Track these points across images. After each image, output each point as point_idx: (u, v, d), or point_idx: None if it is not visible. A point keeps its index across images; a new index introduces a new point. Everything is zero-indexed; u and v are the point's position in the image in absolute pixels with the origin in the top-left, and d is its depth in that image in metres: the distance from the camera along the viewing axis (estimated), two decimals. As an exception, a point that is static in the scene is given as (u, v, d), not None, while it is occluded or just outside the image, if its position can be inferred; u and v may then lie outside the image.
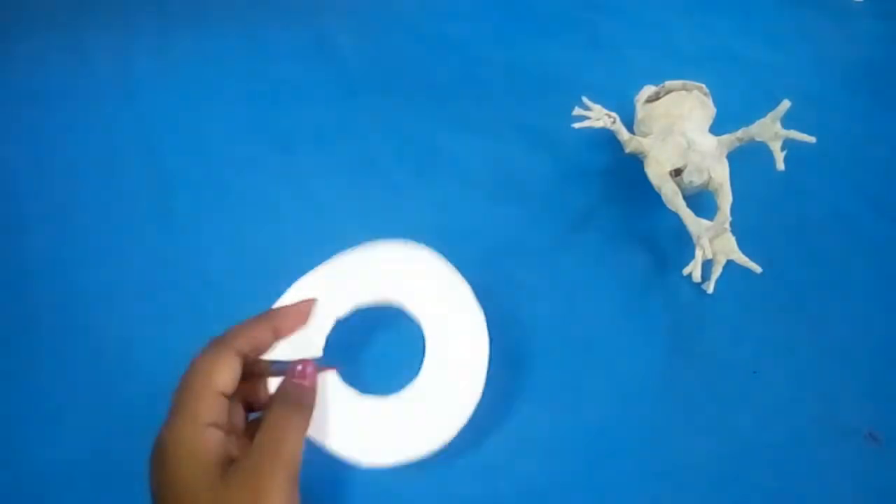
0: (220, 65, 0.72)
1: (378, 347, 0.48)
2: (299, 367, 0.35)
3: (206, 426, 0.30)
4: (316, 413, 0.35)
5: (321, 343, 0.39)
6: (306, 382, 0.34)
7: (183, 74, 0.70)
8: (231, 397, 0.33)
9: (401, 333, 0.45)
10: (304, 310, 0.37)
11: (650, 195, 0.57)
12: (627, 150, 0.59)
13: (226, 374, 0.32)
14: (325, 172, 0.62)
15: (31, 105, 0.66)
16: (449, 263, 0.44)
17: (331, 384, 0.38)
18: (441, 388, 0.40)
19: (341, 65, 0.73)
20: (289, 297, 0.41)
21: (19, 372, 0.48)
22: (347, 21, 0.79)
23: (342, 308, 0.41)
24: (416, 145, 0.66)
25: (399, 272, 0.43)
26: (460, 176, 0.63)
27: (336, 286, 0.41)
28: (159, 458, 0.30)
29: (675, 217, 0.54)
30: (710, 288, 0.54)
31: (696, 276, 0.53)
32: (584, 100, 0.59)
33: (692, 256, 0.53)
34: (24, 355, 0.49)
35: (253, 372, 0.35)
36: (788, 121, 0.49)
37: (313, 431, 0.35)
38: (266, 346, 0.35)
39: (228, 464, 0.30)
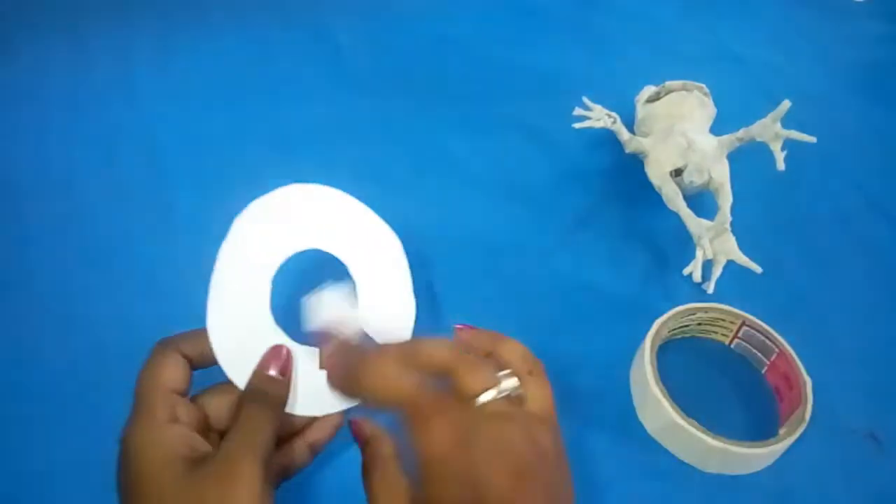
0: (219, 64, 0.72)
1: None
2: (265, 360, 0.34)
3: (163, 422, 0.30)
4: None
5: (269, 317, 0.36)
6: (275, 373, 0.33)
7: (183, 74, 0.70)
8: (184, 395, 0.33)
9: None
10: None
11: (650, 195, 0.57)
12: (628, 151, 0.59)
13: (171, 371, 0.32)
14: (325, 172, 0.62)
15: (32, 105, 0.66)
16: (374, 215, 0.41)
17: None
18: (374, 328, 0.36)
19: (341, 64, 0.73)
20: (225, 255, 0.38)
21: (19, 372, 0.48)
22: (347, 21, 0.79)
23: (275, 263, 0.37)
24: (417, 145, 0.66)
25: (327, 218, 0.40)
26: (460, 176, 0.63)
27: (267, 240, 0.39)
28: (122, 460, 0.30)
29: (676, 217, 0.54)
30: (710, 288, 0.54)
31: (697, 276, 0.53)
32: (585, 100, 0.59)
33: (692, 256, 0.53)
34: (23, 355, 0.48)
35: (285, 434, 0.35)
36: (788, 121, 0.49)
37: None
38: (210, 357, 0.34)
39: (196, 460, 0.30)
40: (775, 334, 0.48)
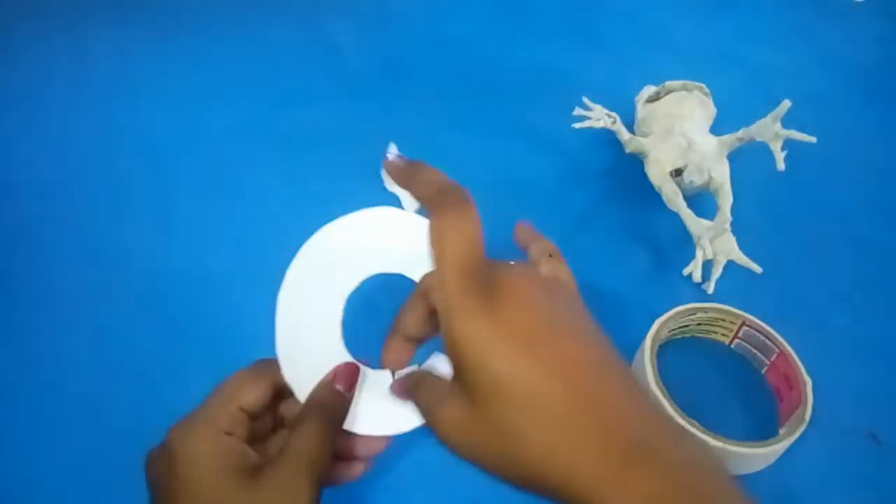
0: (220, 65, 0.72)
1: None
2: (335, 373, 0.33)
3: (220, 432, 0.30)
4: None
5: (339, 339, 0.36)
6: (342, 388, 0.32)
7: (183, 74, 0.70)
8: (255, 419, 0.32)
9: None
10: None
11: (650, 195, 0.57)
12: (628, 151, 0.59)
13: (253, 393, 0.32)
14: (325, 172, 0.62)
15: (32, 105, 0.66)
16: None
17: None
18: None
19: (342, 65, 0.73)
20: (289, 284, 0.38)
21: (19, 372, 0.48)
22: (348, 21, 0.79)
23: (348, 288, 0.38)
24: (417, 145, 0.65)
25: (396, 241, 0.39)
26: (460, 176, 0.62)
27: (335, 265, 0.39)
28: (167, 459, 0.29)
29: (676, 217, 0.54)
30: (710, 288, 0.54)
31: (697, 277, 0.53)
32: (585, 100, 0.59)
33: (692, 256, 0.53)
34: (23, 355, 0.48)
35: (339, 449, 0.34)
36: (788, 121, 0.49)
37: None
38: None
39: (250, 471, 0.29)
40: (775, 334, 0.48)
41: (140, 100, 0.67)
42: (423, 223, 0.39)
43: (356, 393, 0.33)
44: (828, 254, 0.59)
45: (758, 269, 0.52)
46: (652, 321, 0.49)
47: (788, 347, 0.48)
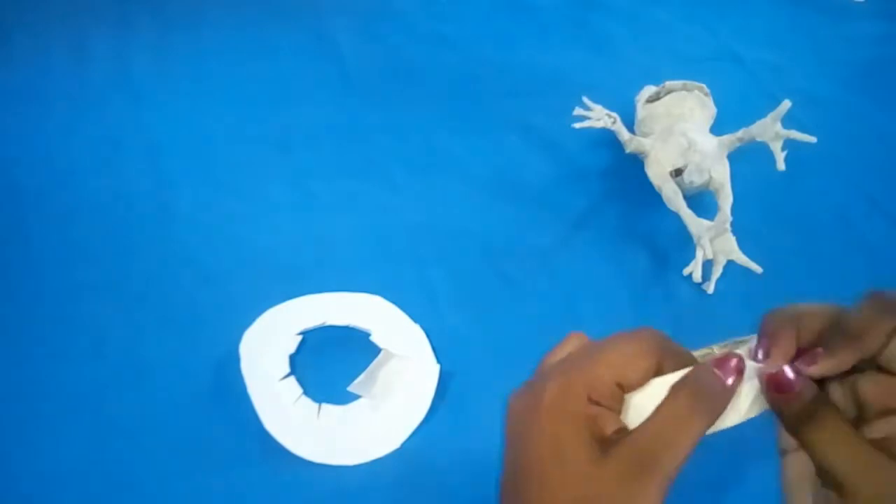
0: (220, 65, 0.72)
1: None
2: (726, 361, 0.27)
3: (583, 397, 0.25)
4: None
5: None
6: (729, 380, 0.26)
7: (183, 74, 0.70)
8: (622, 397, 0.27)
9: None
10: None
11: (650, 195, 0.57)
12: (628, 151, 0.59)
13: (637, 372, 0.27)
14: (325, 172, 0.62)
15: (32, 105, 0.66)
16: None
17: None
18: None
19: (341, 65, 0.73)
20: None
21: (19, 372, 0.48)
22: (347, 21, 0.79)
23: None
24: (416, 145, 0.66)
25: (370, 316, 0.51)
26: (460, 176, 0.63)
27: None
28: (534, 407, 0.26)
29: (676, 217, 0.54)
30: (710, 288, 0.54)
31: (697, 277, 0.53)
32: (585, 100, 0.59)
33: (692, 256, 0.53)
34: (23, 355, 0.48)
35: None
36: (788, 121, 0.49)
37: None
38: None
39: (610, 439, 0.25)
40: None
41: (140, 100, 0.67)
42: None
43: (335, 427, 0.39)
44: (828, 254, 0.59)
45: (758, 269, 0.52)
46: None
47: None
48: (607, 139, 0.63)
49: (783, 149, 0.49)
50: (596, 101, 0.59)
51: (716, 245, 0.53)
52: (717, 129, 0.59)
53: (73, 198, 0.58)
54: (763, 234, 0.58)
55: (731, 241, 0.53)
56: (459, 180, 0.62)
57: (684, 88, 0.61)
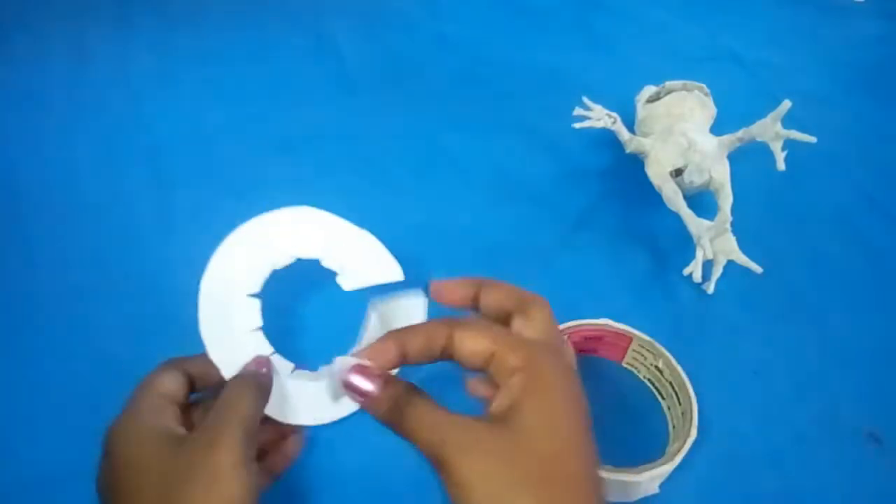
0: (220, 65, 0.72)
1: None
2: (253, 362, 0.35)
3: (145, 415, 0.32)
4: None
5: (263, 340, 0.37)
6: (262, 370, 0.34)
7: (183, 74, 0.70)
8: (182, 408, 0.33)
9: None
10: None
11: (650, 195, 0.57)
12: (628, 150, 0.59)
13: (168, 382, 0.34)
14: (325, 172, 0.62)
15: (32, 105, 0.66)
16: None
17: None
18: None
19: (341, 65, 0.73)
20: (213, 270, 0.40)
21: (19, 372, 0.48)
22: (347, 21, 0.79)
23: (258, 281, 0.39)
24: (416, 145, 0.66)
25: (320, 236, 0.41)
26: (460, 176, 0.63)
27: (254, 255, 0.39)
28: (106, 451, 0.31)
29: (676, 217, 0.54)
30: (710, 288, 0.54)
31: (697, 277, 0.53)
32: (585, 100, 0.59)
33: (692, 256, 0.53)
34: (23, 355, 0.48)
35: (278, 434, 0.36)
36: (788, 121, 0.49)
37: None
38: (214, 378, 0.35)
39: (178, 438, 0.30)
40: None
41: (140, 100, 0.67)
42: (342, 225, 0.41)
43: (285, 383, 0.36)
44: (828, 254, 0.59)
45: (758, 269, 0.52)
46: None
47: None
48: (607, 139, 0.63)
49: (783, 149, 0.49)
50: (596, 101, 0.59)
51: (716, 245, 0.53)
52: (717, 129, 0.59)
53: (73, 198, 0.58)
54: (763, 234, 0.58)
55: (731, 241, 0.53)
56: (459, 180, 0.62)
57: (684, 88, 0.61)
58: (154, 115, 0.65)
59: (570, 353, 0.34)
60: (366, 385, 0.29)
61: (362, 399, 0.29)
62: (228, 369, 0.34)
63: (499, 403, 0.28)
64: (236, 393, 0.32)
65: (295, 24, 0.78)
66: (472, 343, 0.30)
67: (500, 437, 0.27)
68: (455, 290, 0.36)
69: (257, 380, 0.33)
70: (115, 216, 0.57)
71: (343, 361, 0.30)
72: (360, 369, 0.29)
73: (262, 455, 0.35)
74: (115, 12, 0.76)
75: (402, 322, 0.34)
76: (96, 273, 0.53)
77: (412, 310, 0.38)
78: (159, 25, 0.75)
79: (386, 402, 0.29)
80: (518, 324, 0.33)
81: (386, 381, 0.29)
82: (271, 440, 0.36)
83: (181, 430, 0.31)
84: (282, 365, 0.36)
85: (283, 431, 0.36)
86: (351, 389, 0.29)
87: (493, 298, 0.34)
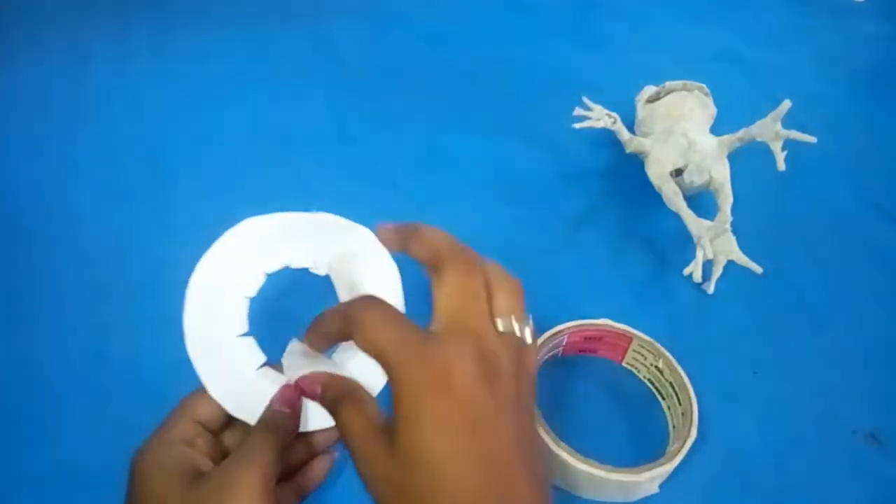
0: (220, 65, 0.72)
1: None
2: (279, 395, 0.34)
3: (174, 443, 0.31)
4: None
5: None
6: (286, 409, 0.33)
7: (183, 74, 0.70)
8: (215, 432, 0.33)
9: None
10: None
11: (650, 195, 0.57)
12: (628, 151, 0.59)
13: (205, 407, 0.33)
14: (325, 172, 0.62)
15: (32, 105, 0.66)
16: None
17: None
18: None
19: (341, 65, 0.73)
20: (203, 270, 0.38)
21: (19, 373, 0.48)
22: (347, 21, 0.79)
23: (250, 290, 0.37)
24: (417, 145, 0.66)
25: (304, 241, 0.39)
26: (460, 176, 0.63)
27: (242, 263, 0.38)
28: (130, 479, 0.31)
29: (676, 217, 0.54)
30: (710, 288, 0.54)
31: (697, 277, 0.53)
32: (585, 100, 0.59)
33: (692, 256, 0.53)
34: (22, 355, 0.48)
35: (303, 457, 0.35)
36: (788, 121, 0.49)
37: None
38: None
39: (198, 473, 0.30)
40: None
41: (140, 100, 0.67)
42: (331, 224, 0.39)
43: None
44: (828, 254, 0.59)
45: (758, 269, 0.52)
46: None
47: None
48: (607, 139, 0.63)
49: (783, 149, 0.49)
50: (596, 101, 0.59)
51: (716, 245, 0.53)
52: (717, 129, 0.59)
53: (73, 198, 0.58)
54: (763, 234, 0.58)
55: (731, 241, 0.53)
56: (459, 180, 0.62)
57: (684, 88, 0.61)
58: (154, 115, 0.65)
59: (487, 330, 0.32)
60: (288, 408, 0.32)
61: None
62: (211, 381, 0.33)
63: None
64: (260, 438, 0.31)
65: (295, 23, 0.78)
66: (363, 344, 0.30)
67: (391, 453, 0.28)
68: (389, 237, 0.36)
69: (279, 425, 0.32)
70: (114, 216, 0.57)
71: (293, 346, 0.34)
72: (282, 399, 0.33)
73: (291, 474, 0.34)
74: (115, 12, 0.76)
75: (360, 267, 0.36)
76: (96, 273, 0.53)
77: (365, 252, 0.37)
78: (159, 25, 0.75)
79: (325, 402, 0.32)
80: (434, 286, 0.33)
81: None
82: (301, 460, 0.35)
83: (206, 464, 0.31)
84: (275, 376, 0.35)
85: (313, 451, 0.35)
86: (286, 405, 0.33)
87: (415, 251, 0.34)
